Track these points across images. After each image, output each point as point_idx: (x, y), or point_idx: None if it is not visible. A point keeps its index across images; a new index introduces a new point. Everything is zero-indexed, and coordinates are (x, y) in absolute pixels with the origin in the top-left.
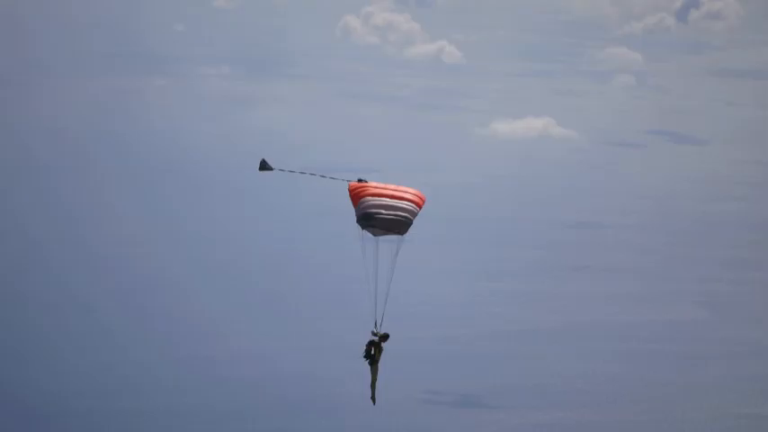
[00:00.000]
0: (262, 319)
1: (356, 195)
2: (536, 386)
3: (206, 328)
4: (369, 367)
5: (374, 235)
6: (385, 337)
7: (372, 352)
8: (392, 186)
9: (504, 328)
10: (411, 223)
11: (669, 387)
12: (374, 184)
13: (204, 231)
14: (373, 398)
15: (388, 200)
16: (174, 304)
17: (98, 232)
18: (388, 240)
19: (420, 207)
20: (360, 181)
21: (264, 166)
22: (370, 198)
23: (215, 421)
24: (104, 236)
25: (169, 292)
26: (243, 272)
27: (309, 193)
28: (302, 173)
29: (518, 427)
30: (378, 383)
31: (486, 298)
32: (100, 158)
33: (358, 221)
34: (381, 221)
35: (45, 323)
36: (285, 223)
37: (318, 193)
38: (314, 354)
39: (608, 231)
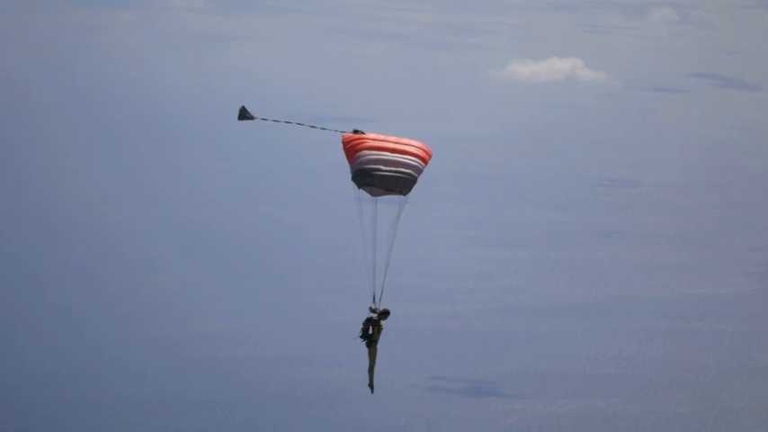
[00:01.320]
0: (241, 294)
1: (351, 149)
2: (560, 371)
3: (176, 303)
4: (366, 349)
5: (372, 195)
6: (385, 313)
7: (370, 331)
8: (393, 138)
9: (523, 304)
10: (415, 181)
11: (715, 372)
12: (372, 135)
13: (174, 190)
14: (371, 385)
15: (388, 154)
16: (138, 276)
17: (49, 192)
18: (389, 201)
19: (426, 162)
20: (356, 132)
21: (244, 114)
22: (367, 152)
23: (186, 411)
24: (56, 196)
25: (133, 263)
26: (219, 238)
27: (297, 147)
28: (288, 122)
29: (538, 419)
30: (377, 368)
31: (502, 268)
32: (52, 107)
33: (353, 179)
34: (381, 179)
35: None
36: (268, 181)
37: (307, 146)
38: (302, 334)
39: (643, 190)
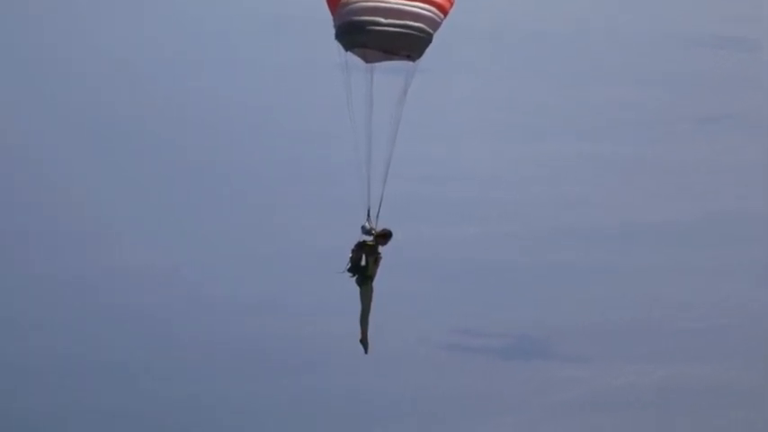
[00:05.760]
0: (174, 213)
1: None
2: (640, 324)
3: (82, 226)
4: (357, 289)
5: (366, 61)
6: (384, 236)
7: (364, 262)
8: None
9: (586, 224)
10: (429, 40)
11: None
12: None
13: (74, 60)
14: (365, 341)
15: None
16: (26, 188)
17: None
18: (391, 70)
19: (445, 13)
20: None
21: None
22: None
23: (99, 378)
24: None
25: (18, 168)
26: (139, 130)
27: None
28: None
29: (610, 392)
30: (373, 317)
31: (556, 171)
32: None
33: (338, 37)
34: (379, 36)
35: None
36: (209, 46)
37: None
38: (264, 270)
39: (767, 55)
